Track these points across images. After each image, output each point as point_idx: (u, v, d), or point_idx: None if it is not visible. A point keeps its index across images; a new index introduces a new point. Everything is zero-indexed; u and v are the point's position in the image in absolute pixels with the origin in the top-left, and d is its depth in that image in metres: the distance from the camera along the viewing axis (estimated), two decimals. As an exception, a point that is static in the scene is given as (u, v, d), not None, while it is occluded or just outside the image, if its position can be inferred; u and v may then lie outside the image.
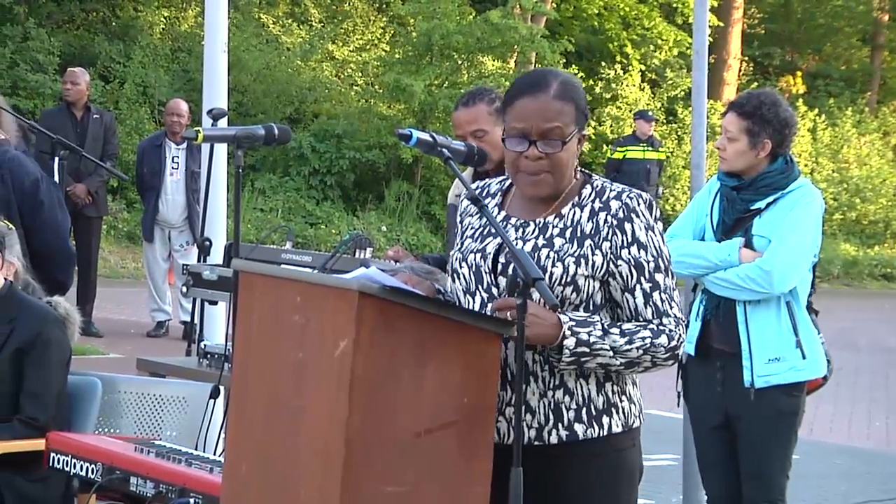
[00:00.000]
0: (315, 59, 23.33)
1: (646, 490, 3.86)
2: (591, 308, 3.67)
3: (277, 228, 17.08)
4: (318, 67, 23.40)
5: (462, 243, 3.86)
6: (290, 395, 3.53)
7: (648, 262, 3.67)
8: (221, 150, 7.30)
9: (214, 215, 7.36)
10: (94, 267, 13.01)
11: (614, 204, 3.69)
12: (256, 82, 21.65)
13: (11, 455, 5.27)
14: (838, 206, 27.19)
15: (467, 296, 3.76)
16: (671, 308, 3.67)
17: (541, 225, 3.75)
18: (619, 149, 19.21)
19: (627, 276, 3.67)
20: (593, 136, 24.00)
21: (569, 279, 3.64)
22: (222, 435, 4.95)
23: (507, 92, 3.80)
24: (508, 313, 3.51)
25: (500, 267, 3.72)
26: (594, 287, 3.68)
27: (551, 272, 3.63)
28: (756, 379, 5.59)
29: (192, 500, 4.39)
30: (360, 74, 23.83)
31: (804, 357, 5.61)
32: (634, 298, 3.67)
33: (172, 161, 12.94)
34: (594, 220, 3.69)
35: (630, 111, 24.28)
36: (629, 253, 3.66)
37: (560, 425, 3.67)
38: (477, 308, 3.73)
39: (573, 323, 3.56)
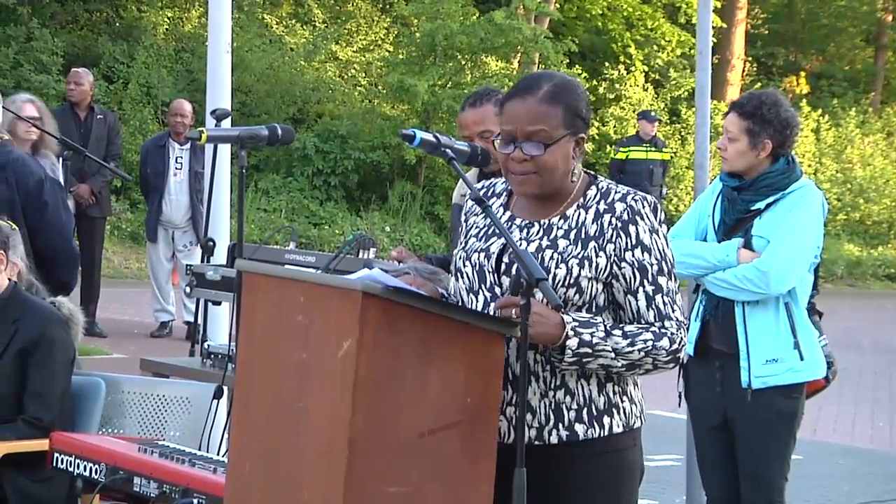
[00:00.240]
0: (318, 60, 23.34)
1: (649, 490, 3.87)
2: (594, 310, 3.68)
3: (281, 229, 17.08)
4: (322, 68, 23.41)
5: (466, 242, 3.87)
6: (293, 396, 3.54)
7: (652, 266, 3.67)
8: (225, 150, 7.31)
9: (218, 216, 7.36)
10: (98, 267, 13.01)
11: (619, 206, 3.70)
12: (260, 83, 21.66)
13: (15, 455, 5.28)
14: (842, 206, 27.18)
15: (470, 295, 3.77)
16: (673, 311, 3.68)
17: (545, 226, 3.75)
18: (622, 149, 19.20)
19: (630, 279, 3.67)
20: (597, 137, 24.01)
21: (572, 281, 3.65)
22: (226, 435, 4.95)
23: (504, 95, 3.83)
24: (513, 312, 3.51)
25: (503, 266, 3.73)
26: (597, 289, 3.68)
27: (555, 273, 3.63)
28: (753, 380, 5.59)
29: (195, 501, 4.39)
30: (364, 75, 23.83)
31: (802, 358, 5.61)
32: (637, 301, 3.67)
33: (176, 161, 12.94)
34: (599, 222, 3.69)
35: (633, 111, 24.27)
36: (633, 255, 3.66)
37: (560, 425, 3.67)
38: (480, 307, 3.74)
39: (576, 323, 3.56)
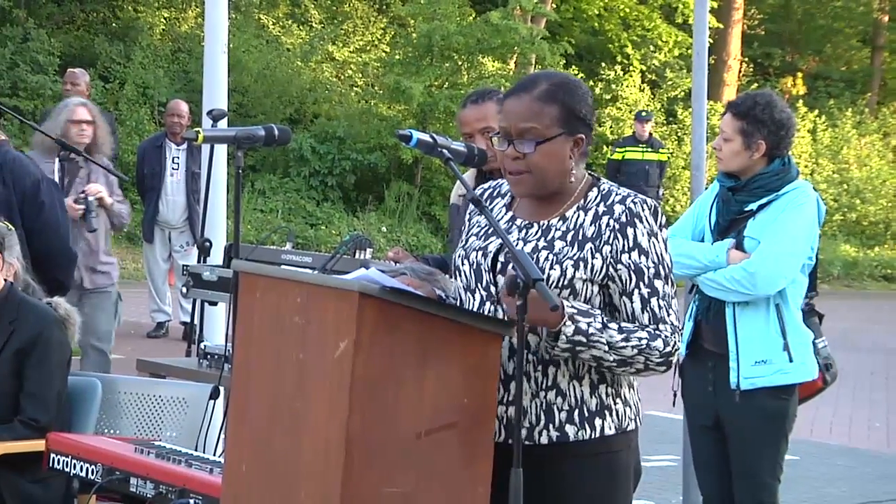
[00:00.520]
0: (315, 60, 23.33)
1: (646, 490, 3.87)
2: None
3: (277, 229, 17.09)
4: (319, 68, 23.41)
5: (466, 241, 3.87)
6: (290, 396, 3.53)
7: (648, 269, 3.66)
8: (221, 150, 7.30)
9: (214, 216, 7.36)
10: (95, 268, 12.98)
11: (618, 208, 3.69)
12: (257, 83, 21.66)
13: (12, 456, 5.27)
14: (838, 207, 27.19)
15: (467, 293, 3.77)
16: (668, 315, 3.67)
17: (544, 227, 3.75)
18: (618, 150, 19.22)
19: (626, 281, 3.66)
20: (593, 137, 24.00)
21: (566, 282, 3.64)
22: (222, 436, 4.95)
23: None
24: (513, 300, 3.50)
25: (499, 266, 3.73)
26: (592, 291, 3.67)
27: (549, 274, 3.62)
28: (742, 381, 5.60)
29: (192, 501, 4.39)
30: (361, 75, 23.83)
31: (791, 360, 5.60)
32: (632, 303, 3.66)
33: (173, 162, 12.94)
34: (597, 224, 3.69)
35: (630, 112, 24.28)
36: (629, 258, 3.65)
37: (551, 426, 3.66)
38: (476, 306, 3.74)
39: (574, 311, 3.55)
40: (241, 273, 3.82)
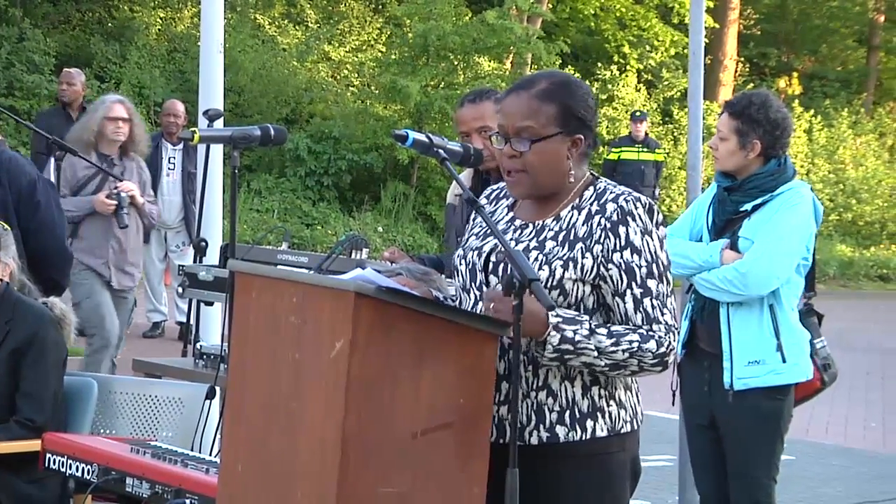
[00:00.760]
0: (311, 60, 23.33)
1: (642, 490, 3.86)
2: (583, 312, 3.64)
3: (274, 229, 17.06)
4: (315, 68, 23.41)
5: (466, 240, 3.88)
6: (286, 396, 3.53)
7: (641, 268, 3.62)
8: (217, 150, 7.31)
9: (210, 216, 7.36)
10: (91, 267, 12.98)
11: (610, 207, 3.66)
12: (253, 83, 21.65)
13: (7, 456, 5.27)
14: (834, 207, 27.22)
15: (463, 292, 3.78)
16: (662, 315, 3.62)
17: (538, 227, 3.74)
18: (613, 150, 19.22)
19: (618, 281, 3.63)
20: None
21: (555, 282, 3.62)
22: (218, 436, 4.95)
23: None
24: (491, 306, 3.49)
25: (490, 266, 3.73)
26: (584, 291, 3.65)
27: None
28: (735, 381, 5.60)
29: (188, 501, 4.39)
30: (357, 75, 23.83)
31: (784, 361, 5.61)
32: (625, 303, 3.63)
33: (169, 162, 12.93)
34: (589, 224, 3.66)
35: (626, 112, 24.29)
36: (621, 257, 3.62)
37: (542, 426, 3.65)
38: (471, 305, 3.74)
39: (560, 319, 3.52)
40: (237, 273, 3.81)
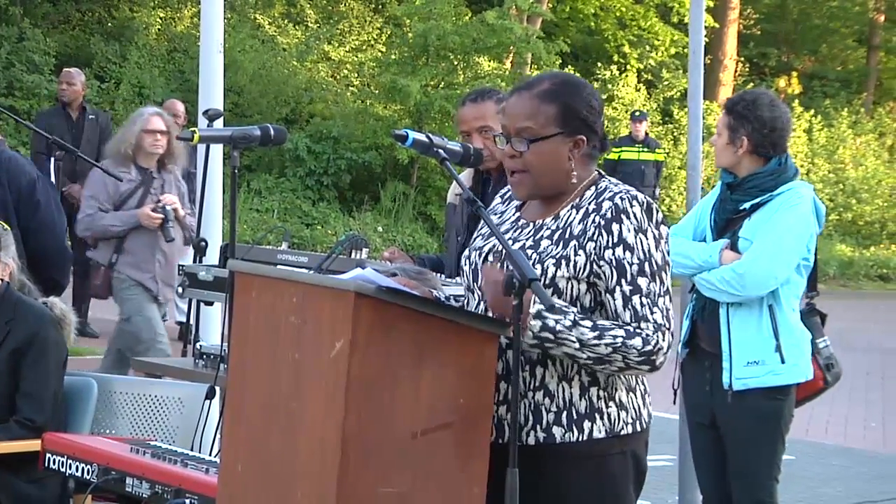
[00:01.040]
0: (311, 60, 23.33)
1: (642, 490, 3.85)
2: (579, 310, 3.62)
3: (273, 229, 17.05)
4: (314, 68, 23.40)
5: (473, 241, 3.88)
6: (286, 396, 3.53)
7: (632, 265, 3.60)
8: (217, 150, 7.31)
9: (210, 216, 7.36)
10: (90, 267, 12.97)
11: (606, 204, 3.65)
12: (252, 83, 21.64)
13: (7, 456, 5.27)
14: (834, 206, 27.21)
15: (468, 292, 3.78)
16: (652, 314, 3.59)
17: (537, 226, 3.74)
18: (613, 149, 19.20)
19: (609, 277, 3.61)
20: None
21: (548, 281, 3.61)
22: (218, 436, 4.95)
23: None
24: (482, 280, 3.48)
25: (489, 265, 3.73)
26: (579, 289, 3.64)
27: None
28: (734, 381, 5.61)
29: (187, 501, 4.39)
30: (356, 75, 23.83)
31: (783, 361, 5.60)
32: (614, 300, 3.61)
33: (169, 162, 12.91)
34: (585, 222, 3.66)
35: (626, 112, 24.28)
36: (613, 254, 3.60)
37: (539, 427, 3.64)
38: (474, 305, 3.73)
39: (543, 307, 3.50)
40: (236, 273, 3.81)
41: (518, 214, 3.85)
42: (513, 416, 3.45)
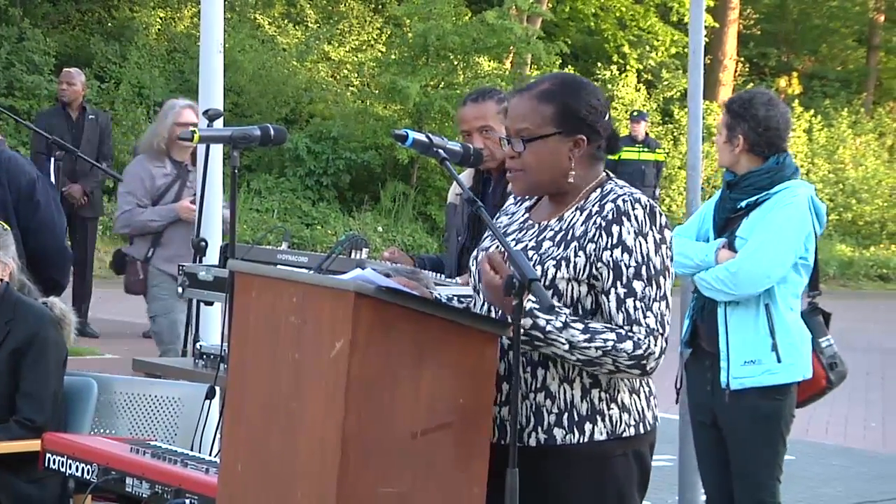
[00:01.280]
0: (311, 60, 23.33)
1: (643, 491, 3.86)
2: (580, 312, 3.62)
3: (273, 229, 17.05)
4: (314, 68, 23.40)
5: (482, 241, 3.88)
6: (286, 396, 3.53)
7: (628, 268, 3.58)
8: (217, 150, 7.30)
9: (210, 216, 7.35)
10: (90, 267, 13.00)
11: (608, 206, 3.65)
12: (252, 83, 21.64)
13: (7, 456, 5.27)
14: (834, 206, 27.20)
15: (475, 292, 3.79)
16: (645, 318, 3.56)
17: (542, 227, 3.74)
18: (614, 150, 19.18)
19: (605, 279, 3.60)
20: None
21: (548, 282, 3.61)
22: (218, 436, 4.95)
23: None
24: (487, 267, 3.49)
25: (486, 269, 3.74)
26: (580, 291, 3.63)
27: None
28: (731, 381, 5.61)
29: (187, 501, 4.39)
30: (356, 75, 23.83)
31: (779, 360, 5.61)
32: (608, 302, 3.59)
33: (168, 161, 12.90)
34: (587, 223, 3.65)
35: (626, 112, 24.28)
36: (611, 255, 3.59)
37: (539, 428, 3.64)
38: (480, 305, 3.73)
39: (536, 306, 3.50)
40: (236, 273, 3.81)
41: (527, 215, 3.84)
42: (513, 416, 3.45)
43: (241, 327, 3.76)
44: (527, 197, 3.90)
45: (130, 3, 23.03)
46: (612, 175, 3.81)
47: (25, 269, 5.88)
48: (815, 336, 5.79)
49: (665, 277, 3.63)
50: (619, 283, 3.58)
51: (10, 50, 20.10)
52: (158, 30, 22.83)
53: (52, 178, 7.80)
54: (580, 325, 3.54)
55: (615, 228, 3.60)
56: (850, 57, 34.26)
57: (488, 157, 5.36)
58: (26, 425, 5.37)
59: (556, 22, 26.21)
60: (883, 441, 11.00)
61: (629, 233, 3.60)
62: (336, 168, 21.24)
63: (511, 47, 22.83)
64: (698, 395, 5.83)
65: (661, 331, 3.58)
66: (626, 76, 26.18)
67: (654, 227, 3.62)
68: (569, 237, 3.66)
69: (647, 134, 19.26)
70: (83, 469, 4.77)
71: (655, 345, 3.57)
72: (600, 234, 3.61)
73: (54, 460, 4.90)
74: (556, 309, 3.54)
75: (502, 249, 3.61)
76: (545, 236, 3.70)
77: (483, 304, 3.74)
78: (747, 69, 31.50)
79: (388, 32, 24.43)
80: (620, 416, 3.68)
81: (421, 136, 4.21)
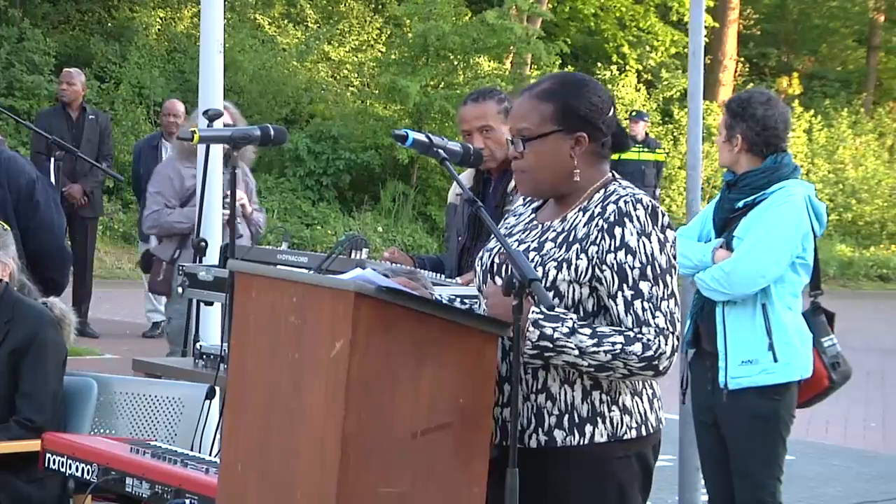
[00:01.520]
0: (311, 60, 23.34)
1: (645, 491, 3.86)
2: (582, 315, 3.61)
3: (273, 229, 17.07)
4: (314, 68, 23.42)
5: (487, 242, 3.88)
6: (286, 396, 3.53)
7: (633, 269, 3.56)
8: (217, 150, 7.30)
9: (210, 216, 7.34)
10: (90, 267, 13.00)
11: (610, 208, 3.62)
12: (252, 83, 21.65)
13: (7, 456, 5.27)
14: (834, 207, 27.21)
15: (479, 293, 3.79)
16: (654, 318, 3.54)
17: (545, 228, 3.73)
18: (614, 150, 19.18)
19: (610, 282, 3.58)
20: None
21: (549, 284, 3.59)
22: (218, 436, 4.95)
23: None
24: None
25: (495, 267, 3.73)
26: (581, 293, 3.62)
27: None
28: (729, 380, 5.62)
29: (187, 501, 4.39)
30: (356, 75, 23.84)
31: (776, 360, 5.61)
32: (616, 305, 3.57)
33: (169, 161, 12.91)
34: (589, 225, 3.63)
35: (626, 112, 24.28)
36: (615, 258, 3.57)
37: (540, 430, 3.62)
38: (483, 305, 3.73)
39: (540, 316, 3.49)
40: (236, 273, 3.81)
41: (533, 216, 3.84)
42: (513, 416, 3.44)
43: (241, 327, 3.75)
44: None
45: (130, 3, 23.04)
46: (617, 175, 3.79)
47: (25, 269, 5.88)
48: (818, 336, 5.79)
49: (671, 276, 3.61)
50: (625, 285, 3.56)
51: (10, 50, 20.11)
52: (158, 30, 22.84)
53: (52, 178, 7.76)
54: (588, 331, 3.52)
55: (617, 230, 3.58)
56: (850, 57, 34.27)
57: (488, 157, 5.37)
58: (26, 425, 5.36)
59: (556, 22, 26.22)
60: (883, 441, 11.00)
61: (632, 234, 3.58)
62: (336, 168, 21.25)
63: (511, 47, 22.85)
64: (700, 395, 5.83)
65: (671, 329, 3.56)
66: (626, 76, 26.19)
67: (656, 228, 3.61)
68: (571, 239, 3.64)
69: (647, 134, 19.25)
70: (83, 469, 4.77)
71: (666, 344, 3.54)
72: (602, 237, 3.59)
73: (54, 460, 4.90)
74: (561, 315, 3.53)
75: (501, 249, 3.62)
76: (547, 237, 3.69)
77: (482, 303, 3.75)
78: (747, 69, 31.52)
79: (388, 32, 24.44)
80: (622, 419, 3.66)
81: (421, 137, 4.21)
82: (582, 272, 3.60)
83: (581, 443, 3.62)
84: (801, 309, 5.80)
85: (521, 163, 3.72)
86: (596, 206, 3.67)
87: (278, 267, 4.59)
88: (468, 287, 4.63)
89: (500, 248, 3.71)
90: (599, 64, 26.41)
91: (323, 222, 20.54)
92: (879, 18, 33.29)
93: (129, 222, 18.71)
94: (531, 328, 3.47)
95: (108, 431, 5.72)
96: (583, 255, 3.60)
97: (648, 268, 3.57)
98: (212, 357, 6.13)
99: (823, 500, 8.79)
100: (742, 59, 31.03)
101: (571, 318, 3.54)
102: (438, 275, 5.32)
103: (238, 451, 3.71)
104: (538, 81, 3.79)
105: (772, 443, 5.69)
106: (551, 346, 3.50)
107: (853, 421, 11.55)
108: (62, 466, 4.87)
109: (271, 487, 3.56)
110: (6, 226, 5.87)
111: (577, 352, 3.51)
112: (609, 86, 25.71)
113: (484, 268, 3.80)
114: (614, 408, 3.65)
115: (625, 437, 3.66)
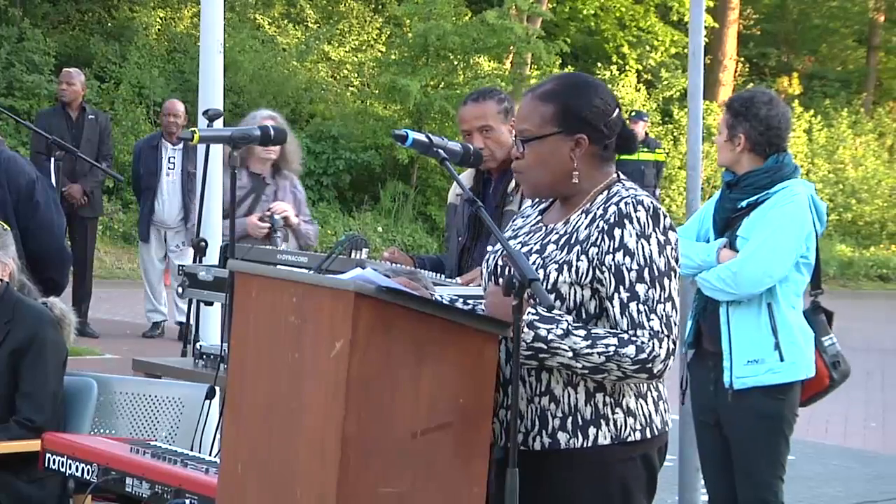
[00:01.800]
0: (311, 60, 23.34)
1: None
2: (584, 317, 3.61)
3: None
4: (314, 68, 23.42)
5: (495, 245, 3.88)
6: (286, 396, 3.53)
7: (631, 271, 3.55)
8: (217, 150, 7.29)
9: (210, 216, 7.34)
10: (90, 267, 13.00)
11: (611, 209, 3.62)
12: (252, 83, 21.65)
13: (7, 456, 5.27)
14: (834, 206, 27.21)
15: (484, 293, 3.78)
16: (648, 321, 3.53)
17: (548, 230, 3.73)
18: (614, 150, 19.18)
19: (608, 284, 3.57)
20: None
21: (549, 286, 3.59)
22: (217, 436, 4.95)
23: None
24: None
25: (499, 269, 3.74)
26: (583, 295, 3.61)
27: None
28: (734, 380, 5.61)
29: (187, 501, 4.39)
30: (356, 75, 23.84)
31: (782, 359, 5.61)
32: (613, 307, 3.56)
33: (169, 161, 12.93)
34: (590, 227, 3.63)
35: (625, 112, 24.28)
36: (613, 259, 3.56)
37: (544, 432, 3.62)
38: (486, 305, 3.74)
39: (535, 318, 3.49)
40: (236, 273, 3.81)
41: (539, 218, 3.83)
42: (513, 416, 3.44)
43: (241, 327, 3.75)
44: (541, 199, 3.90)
45: (130, 3, 23.04)
46: (622, 177, 3.77)
47: (25, 269, 5.88)
48: (818, 335, 5.79)
49: (670, 279, 3.59)
50: (621, 287, 3.55)
51: (10, 50, 20.11)
52: (158, 30, 22.84)
53: (52, 178, 7.75)
54: (582, 332, 3.52)
55: (617, 232, 3.58)
56: (850, 57, 34.28)
57: (488, 157, 5.37)
58: (26, 425, 5.36)
59: (556, 22, 26.22)
60: (883, 441, 11.00)
61: (631, 236, 3.57)
62: (336, 168, 21.25)
63: (511, 47, 22.85)
64: (701, 395, 5.82)
65: (666, 332, 3.55)
66: (626, 76, 26.20)
67: (657, 229, 3.59)
68: (572, 241, 3.64)
69: (646, 134, 19.25)
70: (83, 469, 4.77)
71: (661, 347, 3.53)
72: (602, 238, 3.59)
73: (54, 460, 4.90)
74: (556, 317, 3.53)
75: (503, 250, 3.62)
76: (550, 240, 3.69)
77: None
78: (747, 69, 31.53)
79: (388, 32, 24.45)
80: (626, 421, 3.65)
81: (421, 137, 4.21)
82: (583, 274, 3.59)
83: (585, 445, 3.62)
84: (801, 308, 5.81)
85: (520, 163, 3.72)
86: (598, 208, 3.66)
87: (278, 267, 4.59)
88: (469, 287, 4.63)
89: (503, 250, 3.71)
90: (599, 64, 26.40)
91: (323, 222, 20.53)
92: (879, 18, 33.29)
93: (128, 222, 18.71)
94: (526, 329, 3.47)
95: (108, 431, 5.72)
96: (583, 257, 3.60)
97: (646, 270, 3.56)
98: (212, 357, 6.14)
99: (823, 500, 8.79)
100: (742, 59, 31.04)
101: (566, 320, 3.53)
102: (438, 275, 5.33)
103: (238, 451, 3.71)
104: (542, 82, 3.79)
105: (775, 442, 5.69)
106: (546, 347, 3.50)
107: (853, 421, 11.55)
108: (62, 466, 4.87)
109: (271, 487, 3.56)
110: (6, 226, 5.87)
111: (570, 353, 3.51)
112: (609, 86, 25.61)
113: (489, 269, 3.80)
114: (618, 410, 3.64)
115: (629, 439, 3.65)
